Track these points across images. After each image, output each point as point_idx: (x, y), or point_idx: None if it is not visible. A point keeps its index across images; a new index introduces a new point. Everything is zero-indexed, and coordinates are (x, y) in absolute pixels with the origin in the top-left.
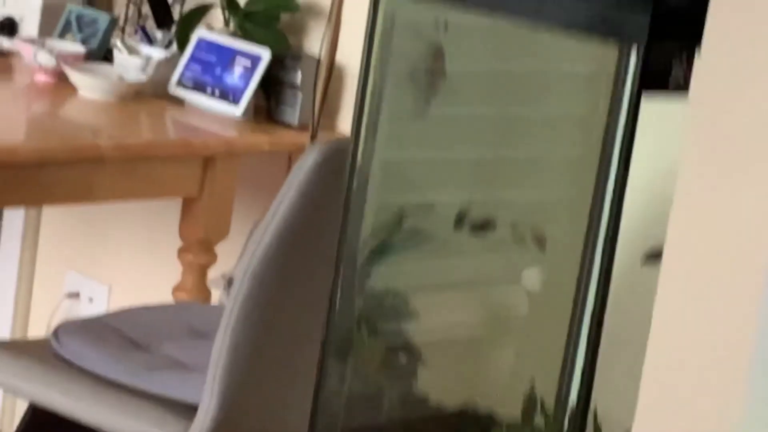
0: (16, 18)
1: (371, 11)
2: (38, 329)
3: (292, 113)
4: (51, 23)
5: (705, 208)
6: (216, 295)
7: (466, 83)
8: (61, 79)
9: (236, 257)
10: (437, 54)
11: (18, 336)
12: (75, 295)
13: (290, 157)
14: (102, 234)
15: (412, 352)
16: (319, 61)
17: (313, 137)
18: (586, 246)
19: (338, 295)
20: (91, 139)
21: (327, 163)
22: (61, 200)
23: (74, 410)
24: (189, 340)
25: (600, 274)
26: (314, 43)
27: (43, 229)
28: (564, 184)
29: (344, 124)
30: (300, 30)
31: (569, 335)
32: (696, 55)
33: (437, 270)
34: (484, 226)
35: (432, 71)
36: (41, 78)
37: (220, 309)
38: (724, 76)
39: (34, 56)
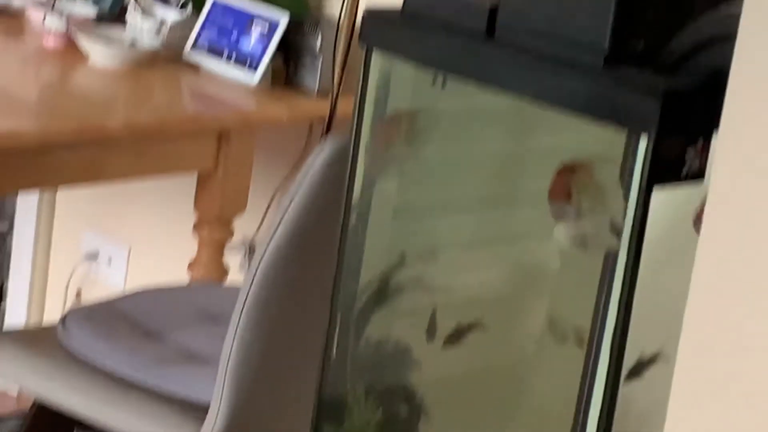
0: None
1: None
2: (57, 290)
3: (312, 79)
4: None
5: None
6: (235, 263)
7: (460, 151)
8: (71, 44)
9: (254, 230)
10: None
11: (36, 296)
12: (93, 256)
13: (311, 126)
14: (120, 194)
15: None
16: (339, 24)
17: (333, 106)
18: (590, 347)
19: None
20: (101, 118)
21: (338, 161)
22: (70, 182)
23: (78, 408)
24: (203, 326)
25: (607, 377)
26: (334, 6)
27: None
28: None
29: None
30: None
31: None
32: (711, 142)
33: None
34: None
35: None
36: (50, 43)
37: (235, 291)
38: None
39: (44, 20)
